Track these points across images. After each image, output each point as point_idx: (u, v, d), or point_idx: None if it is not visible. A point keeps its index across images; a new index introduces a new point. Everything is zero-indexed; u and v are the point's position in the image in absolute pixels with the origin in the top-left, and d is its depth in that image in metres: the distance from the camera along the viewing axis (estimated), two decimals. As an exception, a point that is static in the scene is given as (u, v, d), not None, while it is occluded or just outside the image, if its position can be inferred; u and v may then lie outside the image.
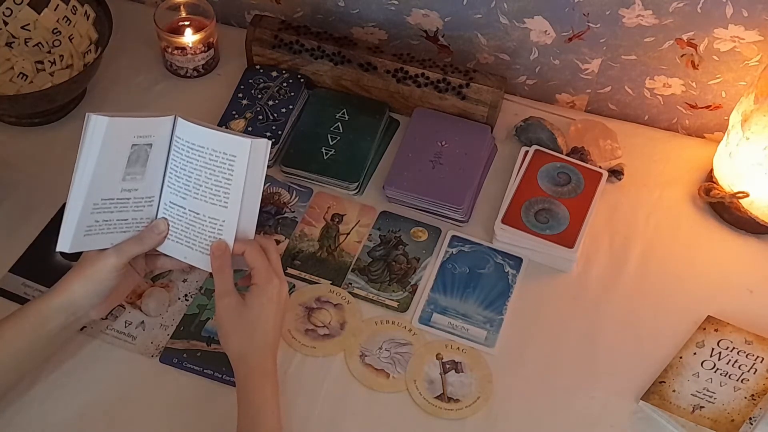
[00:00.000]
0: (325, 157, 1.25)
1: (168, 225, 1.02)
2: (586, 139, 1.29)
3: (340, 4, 1.35)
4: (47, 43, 1.30)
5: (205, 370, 1.06)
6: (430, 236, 1.21)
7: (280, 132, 1.26)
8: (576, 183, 1.21)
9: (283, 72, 1.32)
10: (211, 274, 1.01)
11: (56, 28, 1.30)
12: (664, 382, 1.07)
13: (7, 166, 1.24)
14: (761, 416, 1.04)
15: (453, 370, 1.09)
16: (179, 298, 1.13)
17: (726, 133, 1.20)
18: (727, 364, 1.08)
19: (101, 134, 0.95)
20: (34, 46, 1.30)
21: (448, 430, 1.04)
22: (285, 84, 1.31)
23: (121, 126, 0.97)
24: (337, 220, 1.22)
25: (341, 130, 1.28)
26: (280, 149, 1.27)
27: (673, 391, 1.06)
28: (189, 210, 1.01)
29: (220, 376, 1.06)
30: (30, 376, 1.03)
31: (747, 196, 1.18)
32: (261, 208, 1.02)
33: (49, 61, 1.29)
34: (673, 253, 1.21)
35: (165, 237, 1.02)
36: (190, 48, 1.33)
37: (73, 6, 1.30)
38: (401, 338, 1.11)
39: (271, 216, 1.22)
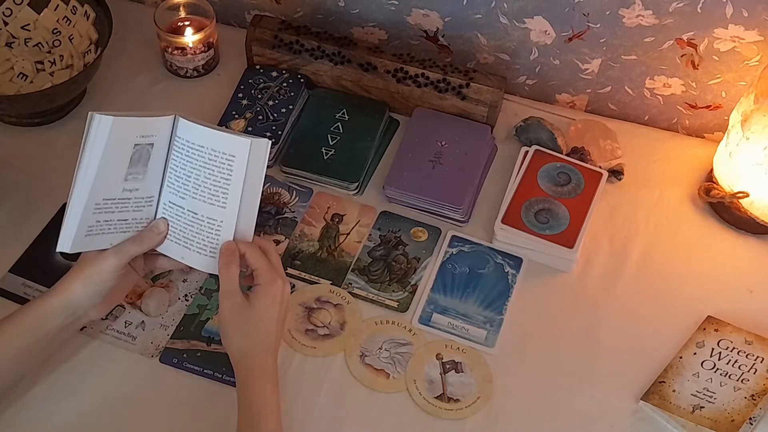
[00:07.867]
0: (325, 157, 1.25)
1: (167, 225, 1.02)
2: (586, 139, 1.29)
3: (340, 4, 1.35)
4: (47, 43, 1.30)
5: (205, 370, 1.06)
6: (430, 236, 1.21)
7: (280, 132, 1.26)
8: (576, 183, 1.21)
9: (283, 72, 1.32)
10: (210, 274, 1.01)
11: (56, 28, 1.30)
12: (664, 382, 1.07)
13: (7, 166, 1.24)
14: (761, 416, 1.04)
15: (453, 370, 1.09)
16: (179, 298, 1.13)
17: (726, 133, 1.20)
18: (727, 364, 1.08)
19: (105, 134, 0.95)
20: (34, 46, 1.30)
21: (448, 430, 1.04)
22: (285, 84, 1.31)
23: (125, 125, 0.97)
24: (337, 220, 1.22)
25: (341, 130, 1.28)
26: (280, 149, 1.27)
27: (673, 391, 1.06)
28: (187, 210, 1.01)
29: (220, 376, 1.06)
30: (30, 376, 1.03)
31: (747, 196, 1.18)
32: (261, 208, 1.02)
33: (49, 61, 1.29)
34: (673, 253, 1.21)
35: (164, 237, 1.02)
36: (190, 48, 1.33)
37: (73, 6, 1.30)
38: (401, 338, 1.11)
39: (271, 216, 1.22)
